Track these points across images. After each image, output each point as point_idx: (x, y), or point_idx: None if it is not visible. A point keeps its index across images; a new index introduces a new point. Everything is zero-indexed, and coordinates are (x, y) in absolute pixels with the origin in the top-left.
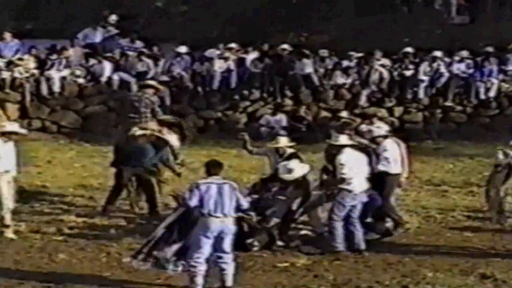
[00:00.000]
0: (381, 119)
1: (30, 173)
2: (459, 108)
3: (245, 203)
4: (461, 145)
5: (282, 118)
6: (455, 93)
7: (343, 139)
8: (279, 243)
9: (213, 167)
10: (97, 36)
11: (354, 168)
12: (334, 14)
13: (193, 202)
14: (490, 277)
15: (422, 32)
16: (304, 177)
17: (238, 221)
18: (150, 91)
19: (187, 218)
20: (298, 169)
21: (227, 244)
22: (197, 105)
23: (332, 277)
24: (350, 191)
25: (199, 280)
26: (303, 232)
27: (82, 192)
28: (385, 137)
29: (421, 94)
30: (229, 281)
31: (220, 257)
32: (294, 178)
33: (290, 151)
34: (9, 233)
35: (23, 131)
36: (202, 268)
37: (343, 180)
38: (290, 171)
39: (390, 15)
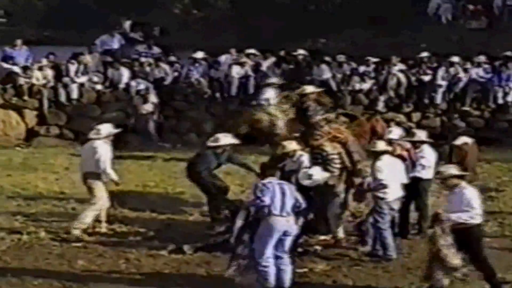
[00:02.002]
0: (399, 124)
1: (48, 180)
2: (476, 113)
3: (303, 202)
4: (479, 150)
5: None
6: (472, 98)
7: (381, 145)
8: (299, 249)
9: (268, 169)
10: (115, 43)
11: (390, 174)
12: (350, 21)
13: (267, 200)
14: (509, 282)
15: (439, 38)
16: (326, 183)
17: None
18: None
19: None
20: (317, 175)
21: (288, 244)
22: (214, 111)
23: (351, 282)
24: (382, 199)
25: (272, 279)
26: (322, 237)
27: None
28: (423, 142)
29: (438, 99)
30: (287, 282)
31: (280, 257)
32: (314, 184)
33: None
34: (103, 228)
35: (117, 130)
36: (272, 267)
37: (383, 186)
38: (309, 176)
39: (408, 20)
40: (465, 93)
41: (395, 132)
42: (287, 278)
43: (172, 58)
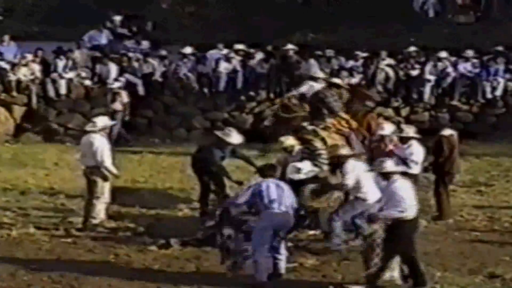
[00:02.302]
0: (387, 119)
1: (38, 175)
2: (465, 107)
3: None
4: (467, 144)
5: None
6: (461, 92)
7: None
8: (288, 243)
9: (269, 170)
10: (103, 38)
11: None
12: (339, 15)
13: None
14: (499, 277)
15: (427, 32)
16: (316, 178)
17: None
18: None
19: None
20: (306, 169)
21: (282, 235)
22: (203, 106)
23: (340, 277)
24: (364, 200)
25: (265, 275)
26: (311, 232)
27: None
28: (411, 138)
29: (427, 94)
30: (282, 269)
31: (275, 247)
32: (300, 179)
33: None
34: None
35: (113, 122)
36: (268, 261)
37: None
38: (298, 170)
39: (396, 15)
40: (453, 88)
41: (387, 128)
42: (283, 265)
43: (163, 52)
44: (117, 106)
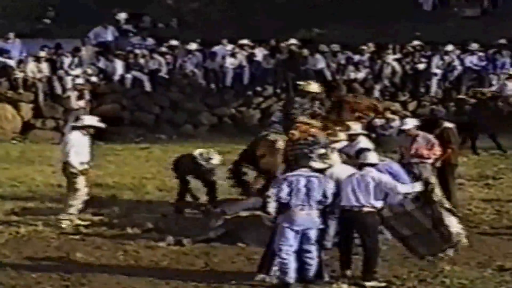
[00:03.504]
0: (394, 113)
1: (45, 172)
2: (472, 101)
3: (331, 196)
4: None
5: None
6: (468, 86)
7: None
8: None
9: (304, 160)
10: (108, 35)
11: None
12: (344, 11)
13: (283, 194)
14: (508, 270)
15: (433, 26)
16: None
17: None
18: None
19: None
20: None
21: (313, 237)
22: (210, 102)
23: (350, 272)
24: None
25: (292, 273)
26: None
27: (98, 191)
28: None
29: (434, 87)
30: (310, 275)
31: (306, 251)
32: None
33: None
34: (67, 222)
35: (101, 124)
36: (292, 261)
37: None
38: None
39: (402, 9)
40: (460, 82)
41: (354, 128)
42: (311, 271)
43: (163, 49)
44: (82, 103)
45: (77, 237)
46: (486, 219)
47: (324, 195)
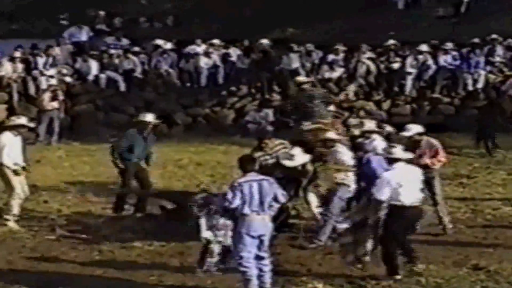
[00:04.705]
0: (369, 112)
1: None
2: (447, 100)
3: (282, 197)
4: (449, 137)
5: (268, 114)
6: (442, 85)
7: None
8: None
9: (248, 163)
10: (83, 35)
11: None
12: (319, 10)
13: (236, 202)
14: (483, 268)
15: (407, 25)
16: (303, 166)
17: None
18: None
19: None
20: (299, 156)
21: (267, 243)
22: (185, 102)
23: (324, 271)
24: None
25: (255, 280)
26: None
27: (72, 191)
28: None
29: (408, 87)
30: (268, 284)
31: (261, 258)
32: (294, 165)
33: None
34: (12, 223)
35: (31, 124)
36: (254, 267)
37: None
38: (292, 157)
39: (376, 9)
40: (434, 81)
41: (369, 125)
42: (268, 278)
43: (136, 49)
44: (55, 104)
45: (52, 237)
46: (461, 218)
47: (275, 199)
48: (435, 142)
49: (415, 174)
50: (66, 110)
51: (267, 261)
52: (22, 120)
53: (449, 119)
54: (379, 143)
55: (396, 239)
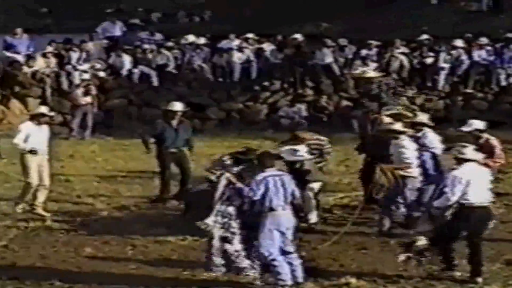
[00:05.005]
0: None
1: (53, 167)
2: (480, 95)
3: (298, 192)
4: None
5: (301, 109)
6: (475, 80)
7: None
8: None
9: (269, 159)
10: (116, 30)
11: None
12: (351, 5)
13: (260, 194)
14: None
15: (441, 20)
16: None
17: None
18: None
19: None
20: (302, 152)
21: (291, 237)
22: (218, 97)
23: (357, 266)
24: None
25: (289, 275)
26: None
27: (105, 186)
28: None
29: (441, 82)
30: (300, 277)
31: (289, 252)
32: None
33: None
34: (19, 208)
35: (51, 113)
36: (285, 264)
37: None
38: (294, 153)
39: (409, 3)
40: (468, 76)
41: (421, 117)
42: (300, 272)
43: (170, 44)
44: (88, 98)
45: (85, 232)
46: (495, 213)
47: (293, 194)
48: (494, 141)
49: (484, 174)
50: (99, 105)
51: (295, 255)
52: (42, 109)
53: (482, 114)
54: (433, 137)
55: (456, 239)
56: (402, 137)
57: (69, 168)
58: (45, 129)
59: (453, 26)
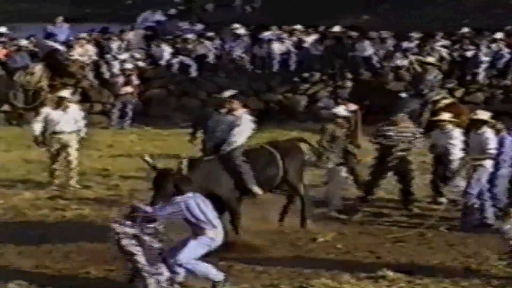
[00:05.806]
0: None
1: (92, 157)
2: None
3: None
4: None
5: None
6: None
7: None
8: None
9: (185, 185)
10: (157, 19)
11: None
12: None
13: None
14: None
15: (481, 13)
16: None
17: None
18: None
19: None
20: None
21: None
22: (257, 87)
23: (394, 259)
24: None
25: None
26: None
27: (144, 176)
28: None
29: (481, 74)
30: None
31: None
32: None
33: None
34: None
35: (73, 98)
36: None
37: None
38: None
39: None
40: (508, 69)
41: (479, 113)
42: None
43: (209, 34)
44: (129, 88)
45: None
46: None
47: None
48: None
49: None
50: (139, 95)
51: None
52: (62, 93)
53: None
54: (491, 135)
55: None
56: (485, 128)
57: (107, 158)
58: (71, 112)
59: (494, 19)
